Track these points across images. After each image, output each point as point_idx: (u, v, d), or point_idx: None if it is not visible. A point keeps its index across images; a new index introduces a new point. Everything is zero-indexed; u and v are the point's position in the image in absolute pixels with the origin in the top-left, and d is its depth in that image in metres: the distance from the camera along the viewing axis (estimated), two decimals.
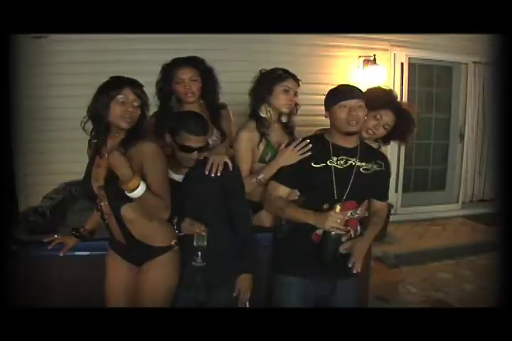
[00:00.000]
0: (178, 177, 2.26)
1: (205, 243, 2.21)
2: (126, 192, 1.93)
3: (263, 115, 2.57)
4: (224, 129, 2.74)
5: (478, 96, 5.80)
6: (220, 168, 2.25)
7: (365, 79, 4.93)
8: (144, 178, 1.98)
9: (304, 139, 2.35)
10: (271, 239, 2.47)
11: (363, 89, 2.37)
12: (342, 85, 2.35)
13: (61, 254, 2.34)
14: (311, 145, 2.29)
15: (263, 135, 2.57)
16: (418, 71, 5.61)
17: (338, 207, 2.10)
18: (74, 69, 4.27)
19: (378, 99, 2.53)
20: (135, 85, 2.03)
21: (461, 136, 5.80)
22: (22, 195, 4.44)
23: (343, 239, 2.26)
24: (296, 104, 2.63)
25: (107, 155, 1.97)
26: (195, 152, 2.16)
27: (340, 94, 2.23)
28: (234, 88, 2.85)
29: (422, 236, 5.26)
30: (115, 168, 1.91)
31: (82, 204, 3.78)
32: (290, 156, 2.31)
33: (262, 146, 2.58)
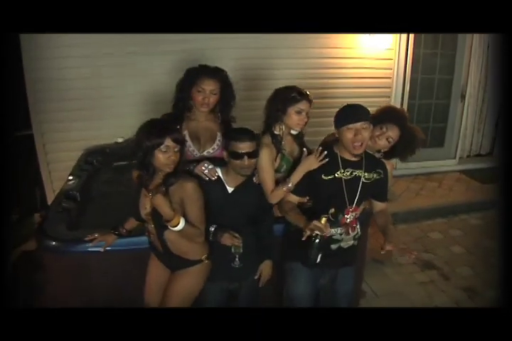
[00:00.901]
0: (229, 189, 2.64)
1: (241, 250, 2.64)
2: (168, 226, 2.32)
3: (277, 132, 2.84)
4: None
5: (482, 55, 5.97)
6: None
7: (372, 42, 5.08)
8: (184, 211, 2.37)
9: (322, 150, 2.63)
10: (282, 230, 2.88)
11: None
12: (348, 106, 2.58)
13: (102, 250, 2.73)
14: (326, 152, 2.59)
15: (279, 150, 2.85)
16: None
17: (323, 219, 2.42)
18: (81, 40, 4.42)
19: (389, 114, 2.84)
20: (175, 134, 2.34)
21: (463, 96, 6.03)
22: (45, 170, 4.87)
23: (343, 236, 2.67)
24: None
25: (151, 194, 2.33)
26: (245, 157, 2.50)
27: (347, 117, 2.50)
28: None
29: (418, 193, 5.68)
30: (159, 208, 2.31)
31: (106, 175, 4.19)
32: (312, 163, 2.59)
33: (278, 159, 2.86)
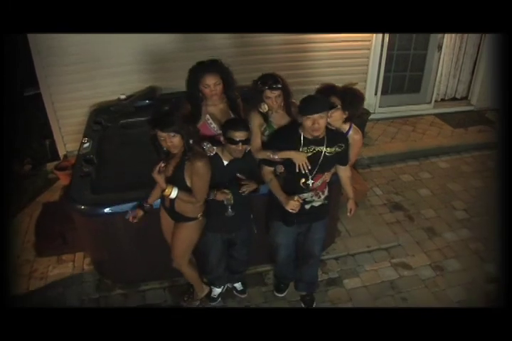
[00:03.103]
0: (225, 162, 3.41)
1: (232, 201, 3.44)
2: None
3: (261, 110, 3.65)
4: (240, 114, 3.80)
5: None
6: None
7: None
8: (191, 183, 3.20)
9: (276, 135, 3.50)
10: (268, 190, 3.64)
11: None
12: (310, 98, 3.27)
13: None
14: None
15: (265, 120, 3.69)
16: None
17: (296, 197, 3.31)
18: None
19: (323, 91, 3.57)
20: (164, 127, 3.05)
21: (439, 46, 6.62)
22: (55, 126, 5.58)
23: (314, 198, 3.49)
24: (286, 99, 3.64)
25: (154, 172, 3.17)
26: (240, 143, 3.25)
27: (307, 109, 3.16)
28: None
29: (393, 137, 6.47)
30: (156, 181, 3.19)
31: (114, 133, 4.92)
32: (299, 158, 3.33)
33: (264, 125, 3.72)
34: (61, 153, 5.69)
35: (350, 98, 3.53)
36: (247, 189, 3.44)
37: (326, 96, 3.43)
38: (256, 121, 3.67)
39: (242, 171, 3.49)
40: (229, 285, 4.14)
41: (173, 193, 3.18)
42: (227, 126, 3.31)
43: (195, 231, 3.49)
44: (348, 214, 3.73)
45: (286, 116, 3.74)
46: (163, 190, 3.19)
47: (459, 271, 4.44)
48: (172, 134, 3.06)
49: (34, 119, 5.98)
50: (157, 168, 3.15)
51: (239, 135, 3.22)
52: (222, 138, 3.35)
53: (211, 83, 3.54)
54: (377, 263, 4.52)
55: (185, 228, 3.45)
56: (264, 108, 3.64)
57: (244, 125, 3.32)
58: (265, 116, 3.69)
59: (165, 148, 3.17)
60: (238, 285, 4.13)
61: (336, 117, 3.50)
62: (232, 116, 3.75)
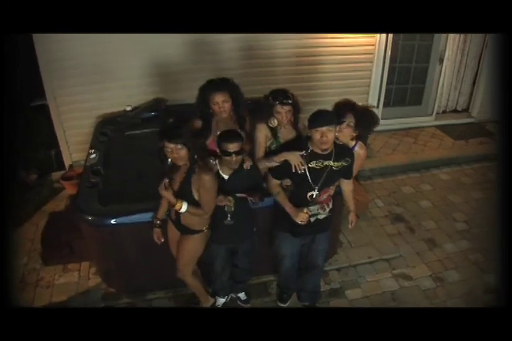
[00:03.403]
0: (225, 177, 3.49)
1: (233, 208, 3.53)
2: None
3: (271, 125, 3.78)
4: (247, 131, 3.92)
5: None
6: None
7: None
8: (199, 197, 3.29)
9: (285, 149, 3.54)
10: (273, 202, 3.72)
11: None
12: (318, 112, 3.34)
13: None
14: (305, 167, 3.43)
15: (273, 135, 3.82)
16: None
17: (305, 209, 3.43)
18: None
19: (341, 107, 3.71)
20: (172, 138, 3.14)
21: (441, 59, 6.76)
22: (61, 137, 5.69)
23: (320, 211, 3.57)
24: (294, 114, 3.77)
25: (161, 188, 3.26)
26: (233, 155, 3.33)
27: (315, 122, 3.26)
28: None
29: (395, 149, 6.58)
30: (165, 197, 3.29)
31: (120, 144, 5.02)
32: (293, 158, 3.43)
33: (272, 139, 3.84)
34: (67, 162, 5.80)
35: (365, 121, 3.67)
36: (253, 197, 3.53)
37: (342, 112, 3.59)
38: (262, 133, 3.81)
39: (244, 185, 3.56)
40: (233, 295, 4.22)
41: (184, 208, 3.27)
42: (220, 138, 3.40)
43: (200, 243, 3.59)
44: (350, 226, 3.84)
45: (293, 131, 3.87)
46: (173, 205, 3.27)
47: (459, 281, 4.51)
48: (179, 146, 3.15)
49: (40, 129, 6.08)
50: (163, 185, 3.25)
51: (232, 146, 3.29)
52: (218, 151, 3.43)
53: (220, 101, 3.68)
54: (379, 274, 4.60)
55: (190, 240, 3.54)
56: (274, 123, 3.77)
57: (236, 136, 3.39)
58: (274, 131, 3.82)
59: (170, 161, 3.26)
60: (242, 295, 4.22)
61: (346, 134, 3.64)
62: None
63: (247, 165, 3.54)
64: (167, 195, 3.25)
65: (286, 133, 3.85)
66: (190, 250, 3.60)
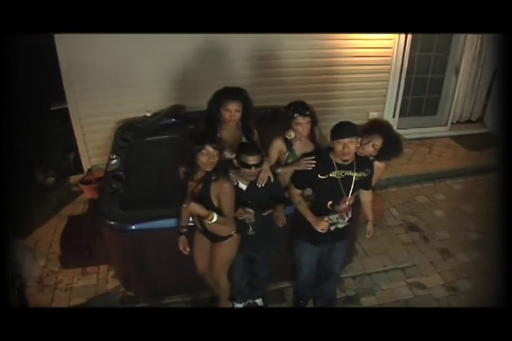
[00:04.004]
0: (243, 187, 3.60)
1: (253, 220, 3.63)
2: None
3: (287, 137, 3.86)
4: (254, 143, 3.95)
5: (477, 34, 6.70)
6: (265, 181, 3.61)
7: None
8: (219, 202, 3.36)
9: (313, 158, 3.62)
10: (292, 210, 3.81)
11: None
12: (340, 124, 3.46)
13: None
14: (314, 162, 3.54)
15: (288, 147, 3.88)
16: None
17: (326, 218, 3.52)
18: None
19: (374, 126, 3.83)
20: (214, 142, 3.27)
21: (457, 71, 6.86)
22: (81, 141, 5.79)
23: (339, 220, 3.66)
24: (312, 127, 3.85)
25: (187, 203, 3.35)
26: (252, 167, 3.44)
27: (338, 133, 3.38)
28: None
29: (410, 159, 6.65)
30: (195, 212, 3.36)
31: (140, 150, 5.12)
32: (301, 164, 3.60)
33: (287, 153, 3.90)
34: (85, 166, 5.90)
35: (391, 147, 3.80)
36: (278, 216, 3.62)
37: (373, 130, 3.73)
38: (275, 149, 3.89)
39: (262, 195, 3.66)
40: (250, 300, 4.30)
41: (215, 218, 3.34)
42: (240, 150, 3.50)
43: (233, 247, 3.67)
44: (367, 235, 3.93)
45: (309, 144, 3.94)
46: (204, 218, 3.36)
47: (471, 291, 4.57)
48: (217, 152, 3.27)
49: (58, 133, 6.20)
50: (190, 204, 3.32)
51: (252, 159, 3.40)
52: (235, 162, 3.53)
53: (232, 108, 3.77)
54: (393, 282, 4.67)
55: (222, 246, 3.63)
56: (291, 135, 3.84)
57: (256, 149, 3.51)
58: (289, 143, 3.88)
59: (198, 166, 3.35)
60: (259, 301, 4.30)
61: (367, 151, 3.76)
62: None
63: (261, 182, 3.62)
64: (197, 208, 3.32)
65: (302, 146, 3.92)
66: (225, 255, 3.70)
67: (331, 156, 3.49)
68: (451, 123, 7.33)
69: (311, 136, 3.94)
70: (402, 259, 4.96)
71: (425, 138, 7.17)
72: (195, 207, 3.32)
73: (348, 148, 3.32)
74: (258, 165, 3.45)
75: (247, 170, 3.44)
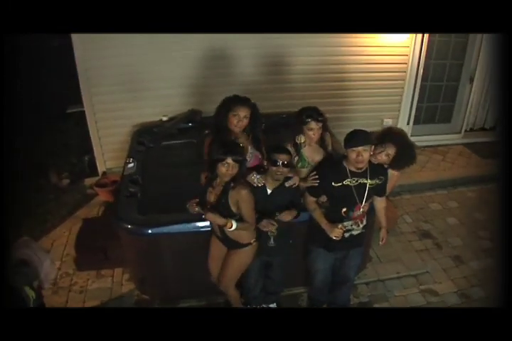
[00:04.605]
0: (269, 191, 3.65)
1: (276, 233, 3.68)
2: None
3: (297, 141, 3.93)
4: (261, 150, 4.02)
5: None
6: (296, 184, 3.67)
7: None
8: (239, 209, 3.41)
9: (321, 167, 3.74)
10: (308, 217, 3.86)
11: None
12: (354, 132, 3.50)
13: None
14: (317, 177, 3.63)
15: (297, 152, 3.94)
16: None
17: (340, 225, 3.56)
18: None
19: (388, 135, 3.87)
20: (235, 155, 3.31)
21: (471, 78, 6.91)
22: (97, 143, 5.88)
23: (354, 227, 3.70)
24: (323, 133, 3.93)
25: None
26: (280, 165, 3.49)
27: (351, 141, 3.42)
28: None
29: (423, 166, 6.68)
30: (213, 222, 3.43)
31: (157, 154, 5.20)
32: (307, 183, 3.69)
33: (296, 158, 3.96)
34: (100, 169, 5.99)
35: (404, 156, 3.86)
36: (286, 216, 3.63)
37: (386, 139, 3.79)
38: None
39: (285, 200, 3.69)
40: (264, 305, 4.32)
41: (234, 225, 3.37)
42: (270, 149, 3.60)
43: (250, 256, 3.70)
44: (380, 242, 3.98)
45: (319, 150, 4.01)
46: (223, 226, 3.40)
47: (484, 298, 4.59)
48: (237, 164, 3.31)
49: (74, 135, 6.28)
50: (207, 214, 3.38)
51: (281, 157, 3.47)
52: (266, 163, 3.61)
53: (242, 114, 3.81)
54: (406, 289, 4.70)
55: (239, 254, 3.66)
56: (301, 139, 3.91)
57: (286, 149, 3.59)
58: (298, 148, 3.94)
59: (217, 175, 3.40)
60: (273, 306, 4.33)
61: (380, 160, 3.80)
62: (250, 151, 3.99)
63: (291, 182, 3.67)
64: (213, 217, 3.37)
65: (312, 152, 3.99)
66: (240, 264, 3.73)
67: (345, 164, 3.55)
68: (465, 131, 7.37)
69: (321, 142, 4.01)
70: (415, 266, 4.98)
71: (439, 146, 7.21)
72: (212, 217, 3.36)
73: (361, 156, 3.37)
74: (286, 165, 3.50)
75: (274, 167, 3.49)
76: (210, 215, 3.35)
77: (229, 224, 3.35)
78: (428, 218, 5.83)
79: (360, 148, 3.35)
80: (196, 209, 3.50)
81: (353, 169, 3.51)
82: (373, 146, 3.49)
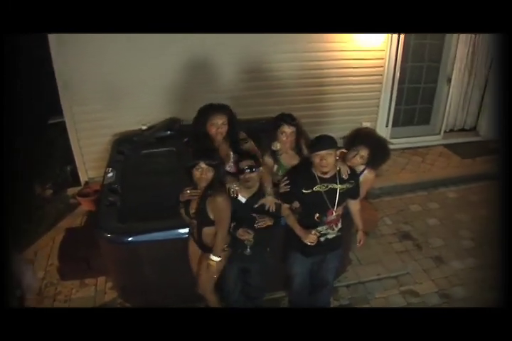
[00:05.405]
0: (243, 200, 3.70)
1: (252, 241, 3.73)
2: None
3: (274, 148, 4.01)
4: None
5: (469, 42, 6.88)
6: (273, 207, 3.72)
7: (367, 37, 6.08)
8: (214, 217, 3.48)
9: (291, 174, 3.78)
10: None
11: None
12: (319, 137, 3.61)
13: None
14: (288, 182, 3.69)
15: (275, 161, 4.03)
16: None
17: (314, 231, 3.64)
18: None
19: (357, 137, 4.00)
20: (208, 159, 3.40)
21: (449, 80, 7.02)
22: (78, 153, 5.95)
23: (329, 231, 3.77)
24: (298, 139, 4.01)
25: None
26: (247, 171, 3.53)
27: (315, 146, 3.51)
28: None
29: (403, 168, 6.79)
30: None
31: (136, 163, 5.25)
32: (281, 189, 3.74)
33: (276, 166, 4.05)
34: (83, 179, 6.05)
35: (379, 154, 3.99)
36: (262, 223, 3.68)
37: (357, 142, 3.93)
38: (267, 161, 4.03)
39: (261, 209, 3.74)
40: None
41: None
42: (237, 158, 3.68)
43: (221, 261, 3.74)
44: (358, 244, 4.05)
45: (296, 157, 4.08)
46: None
47: (465, 298, 4.66)
48: (210, 168, 3.40)
49: (56, 146, 6.33)
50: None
51: (245, 163, 3.52)
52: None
53: (219, 122, 3.87)
54: (387, 290, 4.77)
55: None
56: (277, 146, 3.99)
57: (249, 155, 3.64)
58: (275, 156, 4.02)
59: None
60: None
61: (356, 163, 3.93)
62: (233, 156, 4.02)
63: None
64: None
65: (289, 159, 4.06)
66: (212, 269, 3.75)
67: (313, 170, 3.61)
68: (445, 132, 7.47)
69: (297, 149, 4.08)
70: (396, 267, 5.06)
71: (419, 148, 7.32)
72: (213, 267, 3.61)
73: (325, 160, 3.44)
74: (251, 169, 3.54)
75: (241, 175, 3.55)
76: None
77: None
78: (408, 219, 5.91)
79: (323, 152, 3.43)
80: (187, 192, 3.59)
81: (320, 175, 3.58)
82: (339, 151, 3.64)
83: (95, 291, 4.68)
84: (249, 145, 4.08)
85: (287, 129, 3.92)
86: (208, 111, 3.93)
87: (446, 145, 7.41)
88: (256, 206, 3.69)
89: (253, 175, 3.57)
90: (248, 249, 3.77)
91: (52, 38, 5.18)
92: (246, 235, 3.66)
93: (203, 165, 3.39)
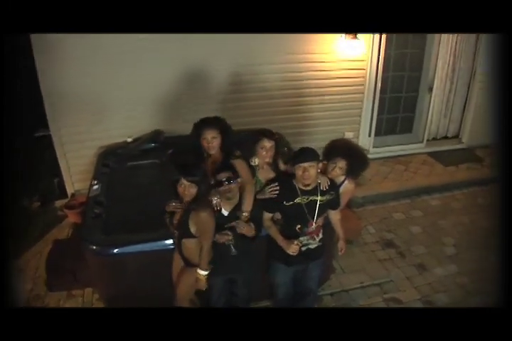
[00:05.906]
0: (225, 213, 3.75)
1: (233, 240, 3.74)
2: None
3: (252, 164, 4.08)
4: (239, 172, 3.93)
5: (449, 51, 6.99)
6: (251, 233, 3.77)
7: (347, 47, 6.19)
8: (197, 231, 3.54)
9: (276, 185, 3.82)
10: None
11: None
12: (302, 149, 3.69)
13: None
14: (278, 188, 3.75)
15: (253, 175, 4.04)
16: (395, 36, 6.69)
17: (296, 241, 3.71)
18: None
19: (334, 150, 4.10)
20: (189, 176, 3.46)
21: (430, 89, 7.13)
22: (64, 166, 6.02)
23: (310, 241, 3.86)
24: (276, 155, 4.10)
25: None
26: (223, 183, 3.59)
27: (297, 158, 3.60)
28: None
29: (386, 177, 6.89)
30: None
31: (122, 175, 5.32)
32: (265, 194, 3.82)
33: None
34: (69, 191, 6.11)
35: (357, 164, 4.06)
36: (243, 229, 3.72)
37: (334, 154, 4.02)
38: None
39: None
40: None
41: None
42: (216, 171, 3.70)
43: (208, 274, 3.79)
44: (339, 253, 4.14)
45: (271, 172, 4.17)
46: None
47: (448, 304, 4.73)
48: (193, 185, 3.46)
49: (43, 158, 6.39)
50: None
51: (221, 175, 3.57)
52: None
53: (209, 136, 3.95)
54: (370, 298, 4.85)
55: (189, 272, 3.76)
56: (255, 161, 4.08)
57: (224, 166, 3.71)
58: (253, 171, 4.07)
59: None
60: None
61: (336, 175, 4.03)
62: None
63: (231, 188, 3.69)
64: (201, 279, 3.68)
65: (265, 174, 4.14)
66: (189, 281, 3.81)
67: (295, 183, 3.70)
68: (428, 140, 7.56)
69: (274, 165, 4.18)
70: (379, 275, 5.14)
71: (402, 156, 7.42)
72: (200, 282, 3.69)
73: (308, 172, 3.53)
74: (228, 180, 3.58)
75: (218, 188, 3.60)
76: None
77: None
78: (391, 228, 6.01)
79: (305, 164, 3.52)
80: (172, 204, 3.67)
81: (302, 187, 3.66)
82: (321, 164, 3.73)
83: (82, 302, 4.73)
84: (238, 162, 4.02)
85: (267, 143, 4.00)
86: (200, 125, 4.02)
87: (429, 154, 7.51)
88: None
89: (232, 186, 3.61)
90: (233, 248, 3.79)
91: (37, 49, 5.24)
92: (224, 236, 3.70)
93: (184, 181, 3.46)
